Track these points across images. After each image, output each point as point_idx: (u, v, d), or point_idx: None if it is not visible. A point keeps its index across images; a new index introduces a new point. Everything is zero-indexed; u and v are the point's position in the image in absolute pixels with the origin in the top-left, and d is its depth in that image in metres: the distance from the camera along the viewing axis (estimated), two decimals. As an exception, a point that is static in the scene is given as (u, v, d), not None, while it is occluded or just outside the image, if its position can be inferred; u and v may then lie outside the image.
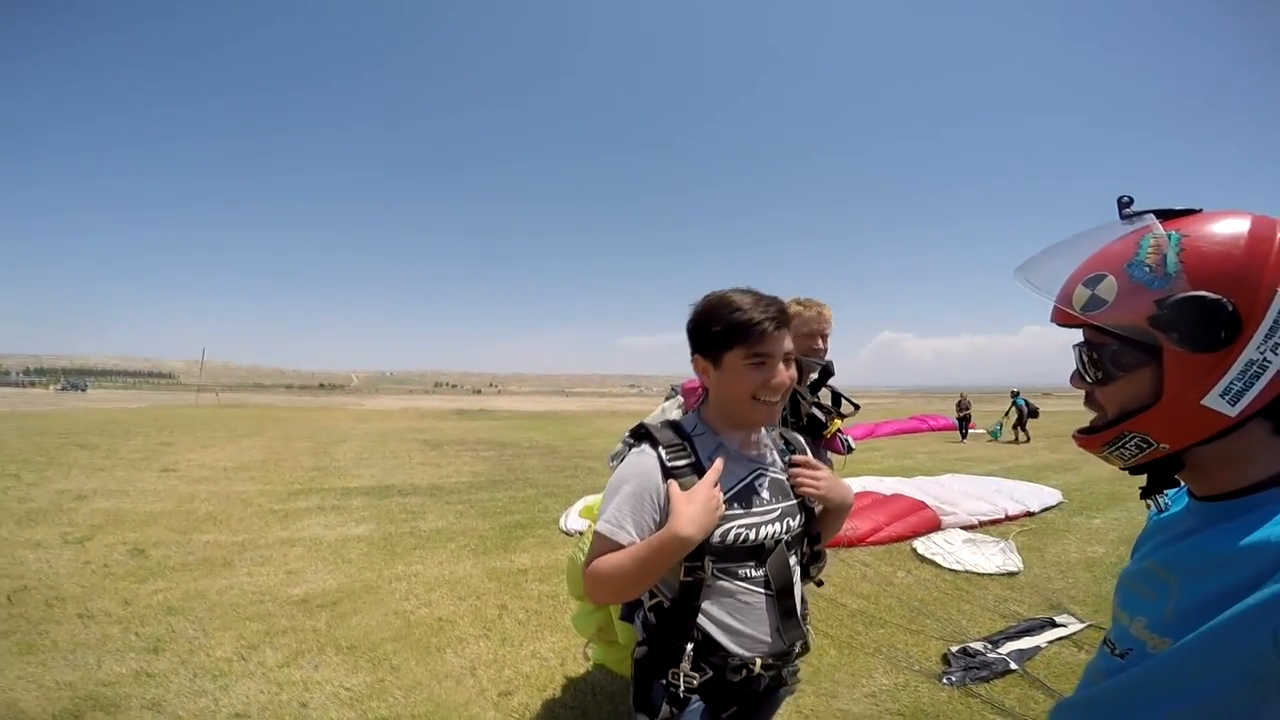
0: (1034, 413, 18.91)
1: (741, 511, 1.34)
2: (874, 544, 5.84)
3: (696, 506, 1.22)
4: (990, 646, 3.61)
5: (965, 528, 6.38)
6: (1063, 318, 0.84)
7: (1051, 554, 5.57)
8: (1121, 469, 0.86)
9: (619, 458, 1.42)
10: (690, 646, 1.30)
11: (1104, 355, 0.81)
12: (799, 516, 1.43)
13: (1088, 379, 0.86)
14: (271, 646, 3.58)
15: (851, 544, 5.73)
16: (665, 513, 1.28)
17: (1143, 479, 0.87)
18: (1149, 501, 0.88)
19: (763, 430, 1.49)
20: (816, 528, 1.51)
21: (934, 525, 6.32)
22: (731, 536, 1.31)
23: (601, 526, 1.29)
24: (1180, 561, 0.80)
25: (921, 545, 5.73)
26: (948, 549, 5.57)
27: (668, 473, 1.31)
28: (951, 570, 5.12)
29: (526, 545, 5.98)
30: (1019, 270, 0.87)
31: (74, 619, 3.86)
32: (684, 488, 1.28)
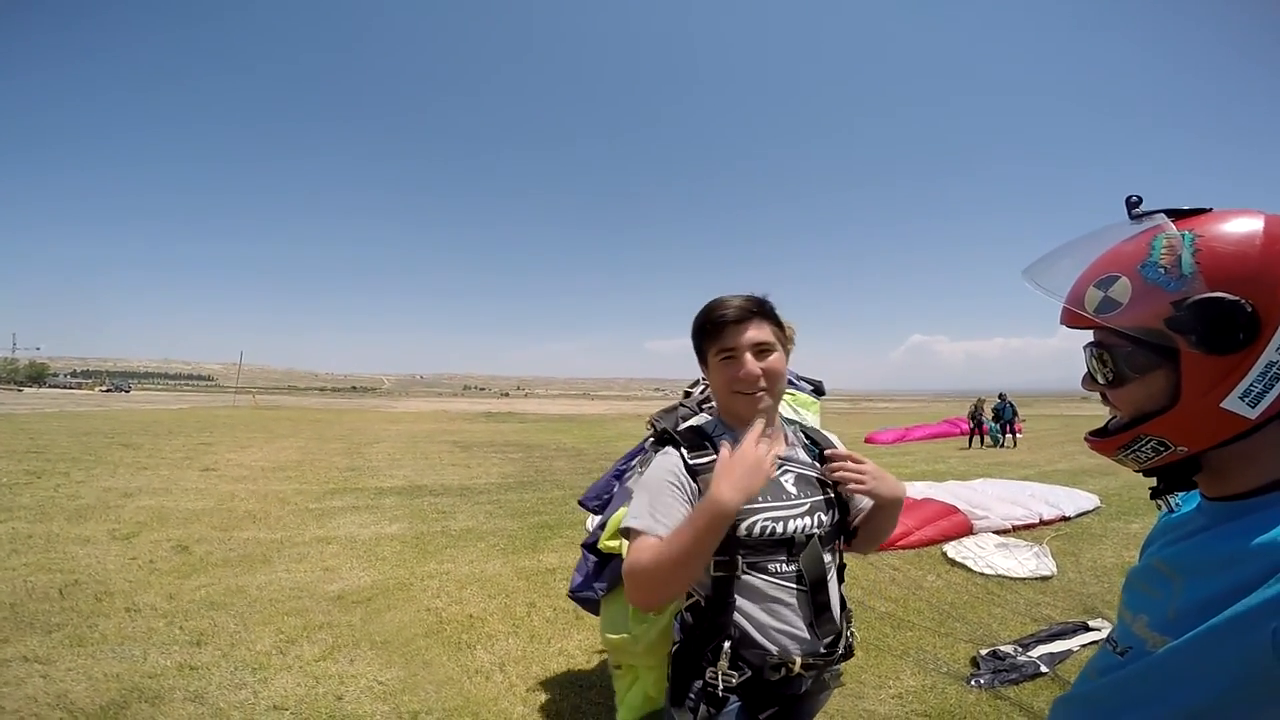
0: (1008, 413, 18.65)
1: (767, 503, 1.32)
2: (903, 548, 5.78)
3: (737, 469, 1.17)
4: (1021, 649, 3.57)
5: (998, 532, 6.28)
6: (1074, 320, 0.82)
7: (1087, 558, 5.46)
8: (1136, 471, 0.84)
9: (645, 462, 1.45)
10: (728, 644, 1.29)
11: (1117, 357, 0.80)
12: (831, 513, 1.40)
13: (1100, 381, 0.84)
14: (309, 641, 3.69)
15: (880, 548, 5.67)
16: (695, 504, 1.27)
17: (1152, 480, 0.86)
18: (1159, 503, 0.87)
19: (784, 426, 1.49)
20: (853, 523, 1.49)
21: (965, 529, 6.23)
22: (759, 529, 1.30)
23: (631, 521, 1.27)
24: (1185, 560, 0.79)
25: (952, 549, 5.66)
26: (979, 553, 5.49)
27: (691, 470, 1.33)
28: (983, 574, 5.06)
29: (554, 545, 6.05)
30: (1026, 271, 0.86)
31: (121, 613, 4.02)
32: (705, 484, 1.26)
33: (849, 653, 1.42)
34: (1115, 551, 5.74)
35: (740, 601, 1.30)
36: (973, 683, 3.23)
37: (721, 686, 1.27)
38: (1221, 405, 0.71)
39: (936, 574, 5.11)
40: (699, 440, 1.39)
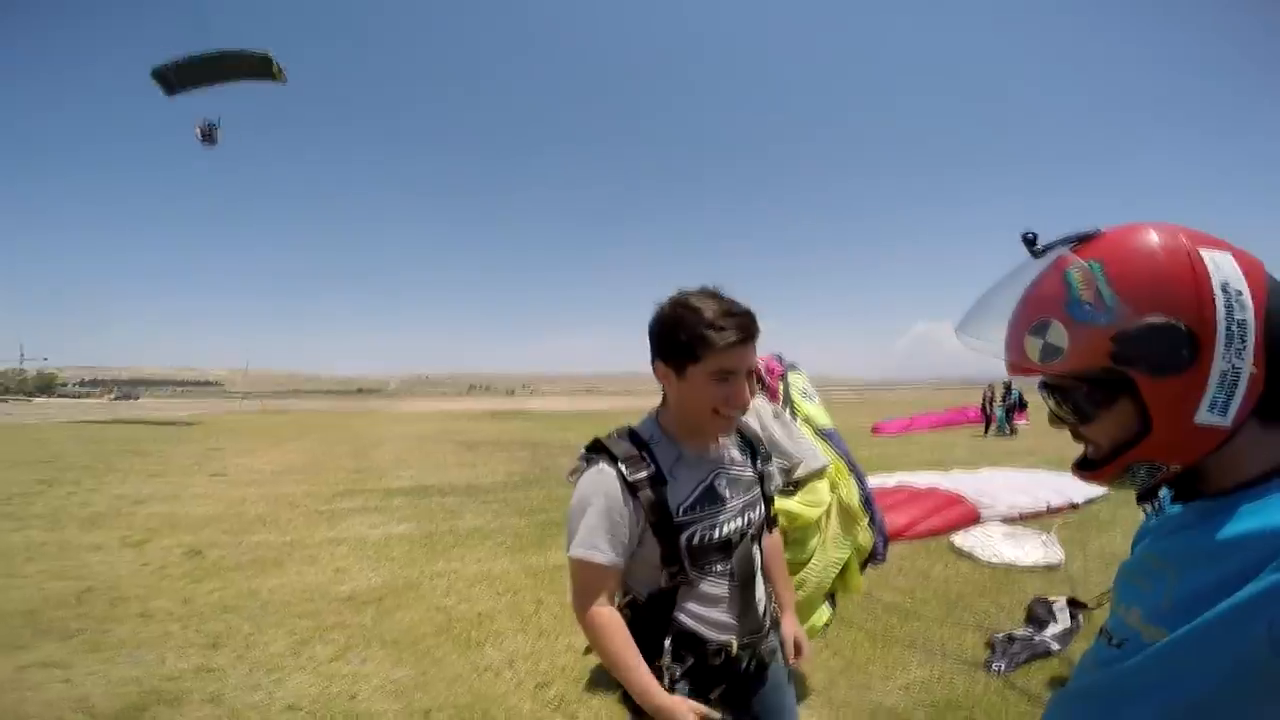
0: (1022, 404, 18.81)
1: (704, 513, 1.36)
2: (910, 538, 5.78)
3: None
4: (1035, 629, 3.61)
5: (1005, 520, 6.28)
6: (1023, 372, 0.83)
7: (1095, 547, 5.45)
8: (1138, 497, 0.87)
9: (577, 473, 1.40)
10: (668, 641, 1.35)
11: (1075, 398, 0.81)
12: (759, 508, 1.49)
13: (1066, 421, 0.86)
14: (321, 642, 3.73)
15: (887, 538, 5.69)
16: (639, 527, 1.32)
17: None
18: (1145, 506, 0.88)
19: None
20: (773, 514, 1.63)
21: (972, 519, 6.23)
22: (699, 538, 1.34)
23: (577, 552, 1.30)
24: (1177, 552, 0.80)
25: (959, 539, 5.66)
26: (986, 542, 5.49)
27: (631, 487, 1.30)
28: (990, 564, 5.06)
29: (561, 542, 6.04)
30: (959, 330, 0.88)
31: (136, 618, 4.07)
32: (645, 500, 1.30)
33: (774, 624, 1.54)
34: (1124, 539, 5.68)
35: (679, 599, 1.37)
36: (992, 668, 3.26)
37: (668, 679, 1.33)
38: (1195, 421, 0.72)
39: (944, 564, 5.12)
40: (633, 450, 1.36)
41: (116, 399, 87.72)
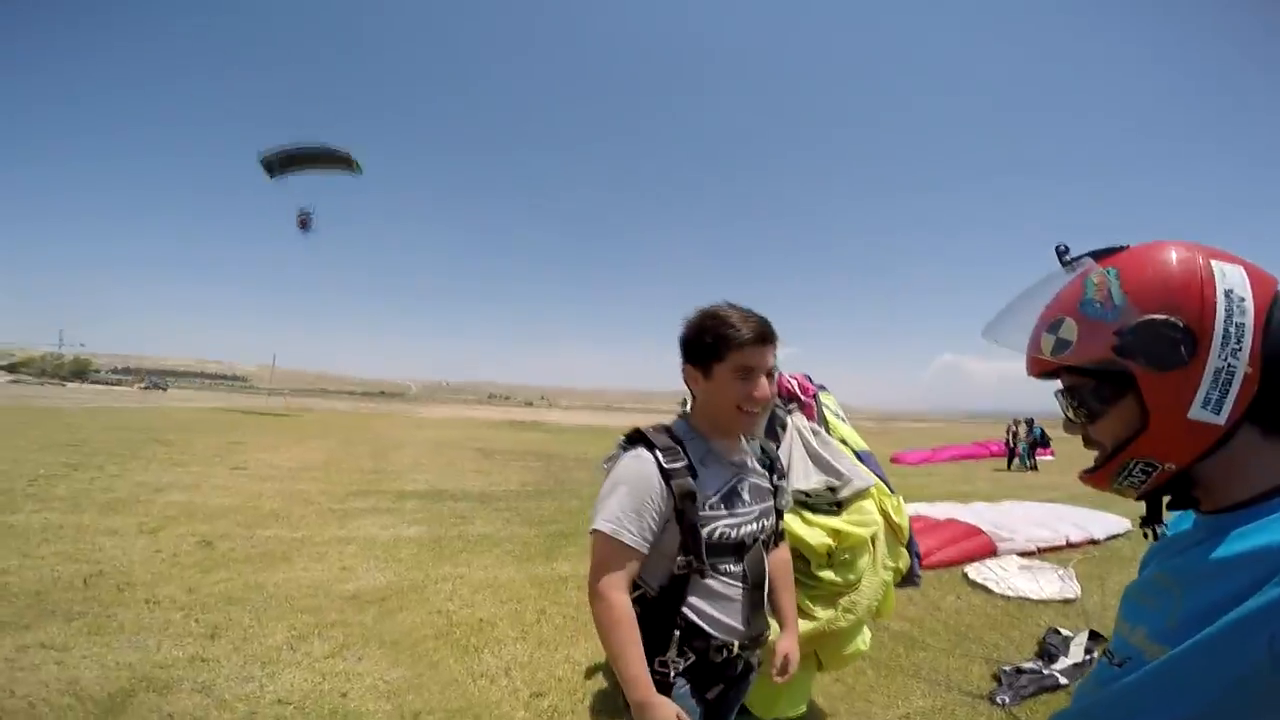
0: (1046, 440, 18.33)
1: (726, 512, 1.42)
2: (924, 568, 5.64)
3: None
4: (1045, 663, 3.51)
5: (1023, 554, 6.12)
6: (1037, 366, 0.89)
7: (1114, 583, 5.28)
8: (1136, 499, 0.88)
9: (613, 460, 1.46)
10: (677, 634, 1.39)
11: (1084, 394, 0.85)
12: (772, 517, 1.55)
13: (1076, 421, 0.89)
14: (320, 638, 3.73)
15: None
16: (665, 517, 1.36)
17: (1142, 508, 0.89)
18: (1147, 531, 0.91)
19: (743, 438, 1.58)
20: (780, 527, 1.66)
21: (989, 551, 6.08)
22: (718, 535, 1.40)
23: (603, 525, 1.34)
24: (1184, 571, 0.80)
25: (973, 571, 5.53)
26: (1001, 575, 5.35)
27: (666, 474, 1.36)
28: (1004, 596, 4.93)
29: (569, 554, 6.04)
30: (986, 331, 0.94)
31: (141, 604, 4.11)
32: (679, 488, 1.35)
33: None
34: (1145, 578, 5.55)
35: (691, 597, 1.40)
36: (997, 700, 3.16)
37: (672, 672, 1.37)
38: (1189, 417, 0.75)
39: (956, 595, 5.00)
40: (670, 442, 1.43)
41: (146, 388, 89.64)
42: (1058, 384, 0.90)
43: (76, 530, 5.81)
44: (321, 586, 4.70)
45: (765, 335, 1.41)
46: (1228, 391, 0.73)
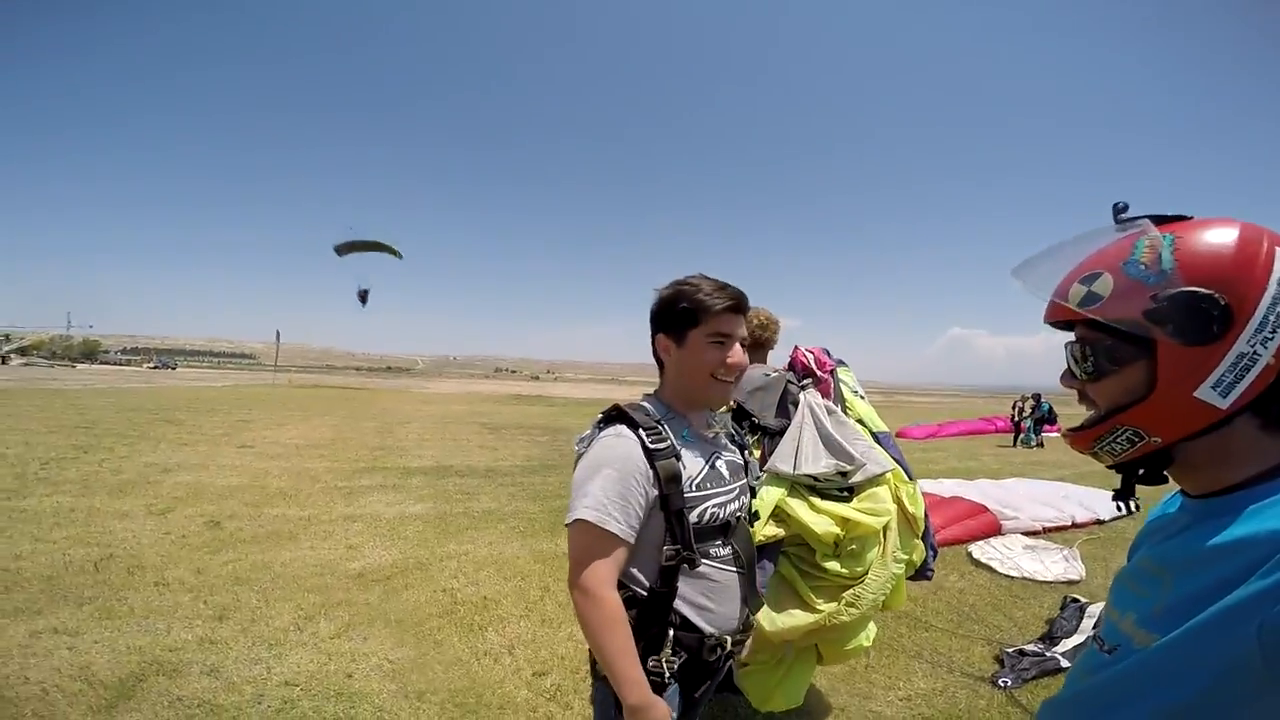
0: (1052, 416, 18.17)
1: (710, 491, 1.36)
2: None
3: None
4: (1047, 645, 3.52)
5: (1028, 533, 6.13)
6: (1060, 313, 0.86)
7: (1118, 563, 5.23)
8: (1109, 466, 0.87)
9: (587, 441, 1.39)
10: (671, 633, 1.30)
11: (1097, 351, 0.83)
12: (748, 495, 1.52)
13: (1079, 376, 0.87)
14: (326, 618, 3.77)
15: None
16: (651, 499, 1.28)
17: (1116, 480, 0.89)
18: (1120, 504, 0.90)
19: (713, 414, 1.56)
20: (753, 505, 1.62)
21: (993, 529, 6.09)
22: (708, 515, 1.34)
23: (586, 514, 1.23)
24: (1172, 557, 0.81)
25: (978, 550, 5.54)
26: (1006, 554, 5.36)
27: (650, 455, 1.28)
28: (1008, 576, 4.94)
29: (571, 528, 6.08)
30: (1015, 271, 0.90)
31: (151, 587, 4.15)
32: (664, 470, 1.28)
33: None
34: (1149, 556, 5.55)
35: (682, 589, 1.32)
36: (999, 683, 3.17)
37: (666, 673, 1.29)
38: (1195, 394, 0.74)
39: (960, 574, 5.01)
40: (652, 421, 1.35)
41: (155, 368, 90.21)
42: (1070, 337, 0.88)
43: (87, 513, 5.87)
44: (328, 566, 4.74)
45: (739, 304, 1.39)
46: (1243, 378, 0.72)
